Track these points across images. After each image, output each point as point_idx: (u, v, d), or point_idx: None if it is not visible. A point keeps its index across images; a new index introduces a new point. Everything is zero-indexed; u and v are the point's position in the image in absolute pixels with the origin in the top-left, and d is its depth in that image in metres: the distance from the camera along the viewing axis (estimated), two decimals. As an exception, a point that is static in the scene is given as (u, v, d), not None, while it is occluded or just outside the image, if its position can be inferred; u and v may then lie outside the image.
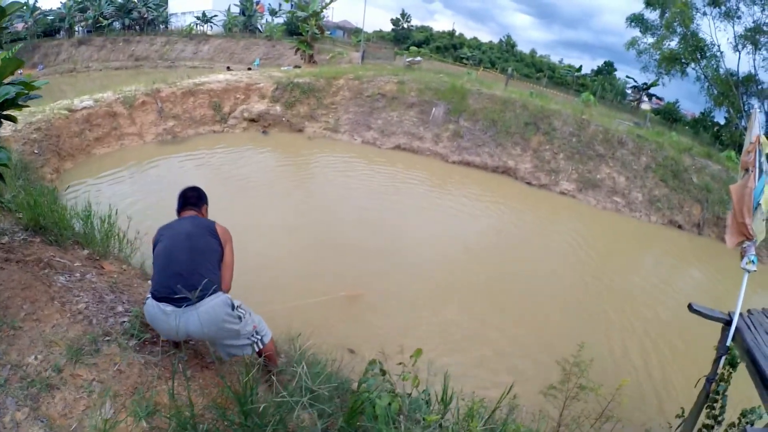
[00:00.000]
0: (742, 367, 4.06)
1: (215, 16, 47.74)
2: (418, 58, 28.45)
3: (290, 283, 6.89)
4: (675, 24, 26.13)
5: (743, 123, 25.17)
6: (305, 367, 2.55)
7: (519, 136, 15.94)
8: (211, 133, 15.38)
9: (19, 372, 2.43)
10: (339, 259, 7.98)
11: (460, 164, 15.68)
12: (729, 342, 4.08)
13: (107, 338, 2.90)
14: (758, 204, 4.01)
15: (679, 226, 13.88)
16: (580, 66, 55.77)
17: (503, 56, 61.60)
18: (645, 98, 45.81)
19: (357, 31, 48.05)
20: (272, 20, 48.54)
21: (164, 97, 14.67)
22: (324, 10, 32.25)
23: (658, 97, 45.69)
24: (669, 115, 37.94)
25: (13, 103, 3.23)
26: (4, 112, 3.29)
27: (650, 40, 28.56)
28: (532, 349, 6.45)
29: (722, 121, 30.41)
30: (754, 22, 24.61)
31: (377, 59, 30.44)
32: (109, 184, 10.11)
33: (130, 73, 35.68)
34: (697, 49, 26.39)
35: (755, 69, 25.79)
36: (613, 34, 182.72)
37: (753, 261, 4.04)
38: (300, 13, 30.98)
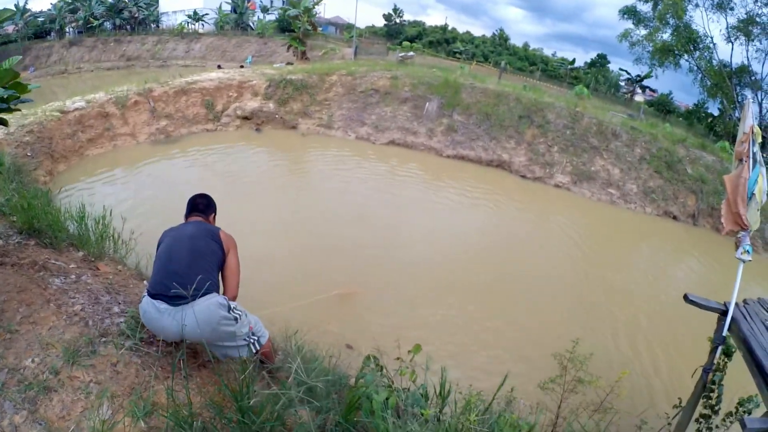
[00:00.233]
0: (737, 357, 4.08)
1: (206, 14, 47.52)
2: (411, 53, 28.38)
3: (285, 282, 6.85)
4: (668, 16, 26.10)
5: (737, 114, 25.22)
6: (300, 361, 2.56)
7: (513, 129, 15.95)
8: (204, 132, 15.30)
9: (17, 375, 2.42)
10: (334, 257, 7.93)
11: (455, 158, 15.67)
12: (725, 332, 4.10)
13: (104, 339, 2.90)
14: (752, 194, 4.03)
15: (674, 217, 13.94)
16: (574, 59, 55.77)
17: (496, 50, 61.56)
18: (638, 90, 45.90)
19: (349, 27, 47.88)
20: (264, 17, 48.38)
21: (156, 96, 14.58)
22: (316, 7, 32.13)
23: (651, 89, 45.79)
24: (663, 106, 38.07)
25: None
26: (-5, 116, 3.27)
27: (643, 32, 28.54)
28: (529, 343, 6.45)
29: (716, 112, 30.53)
30: (746, 13, 24.66)
31: (370, 55, 30.35)
32: (102, 185, 10.06)
33: (121, 73, 35.45)
34: (690, 40, 26.39)
35: (748, 60, 25.87)
36: (605, 26, 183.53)
37: (748, 251, 4.06)
38: (292, 10, 30.88)
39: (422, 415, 2.41)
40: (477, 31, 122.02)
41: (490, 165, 15.42)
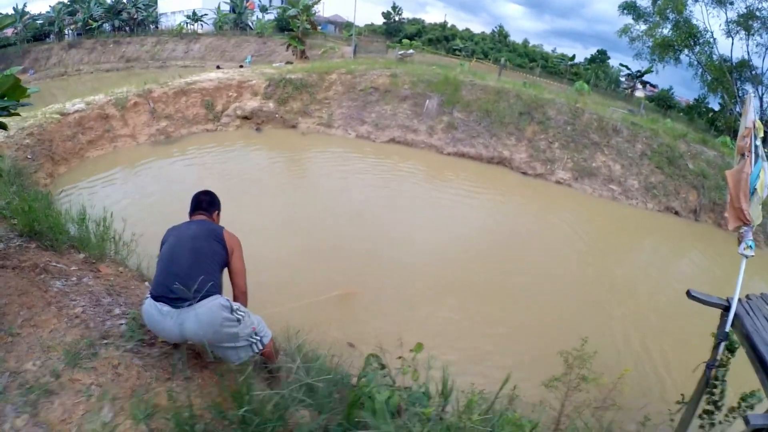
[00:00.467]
0: (740, 353, 4.07)
1: (205, 14, 47.41)
2: (411, 51, 28.32)
3: (284, 282, 6.81)
4: (667, 11, 26.07)
5: (738, 108, 25.17)
6: (300, 360, 2.55)
7: (513, 126, 15.92)
8: (205, 132, 15.30)
9: (18, 378, 2.42)
10: (333, 257, 7.91)
11: (455, 156, 15.65)
12: (728, 328, 4.09)
13: (105, 341, 2.90)
14: (755, 189, 4.01)
15: (676, 213, 13.92)
16: (573, 55, 55.77)
17: (496, 47, 61.42)
18: (639, 86, 45.81)
19: (348, 26, 47.86)
20: (263, 17, 48.25)
21: (156, 97, 14.58)
22: (314, 5, 32.09)
23: (652, 85, 45.61)
24: (663, 102, 37.92)
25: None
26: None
27: (643, 27, 28.48)
28: (532, 342, 6.43)
29: (717, 107, 30.46)
30: (746, 7, 24.59)
31: (369, 53, 30.34)
32: (103, 187, 10.07)
33: (121, 74, 35.45)
34: (690, 35, 26.31)
35: (749, 54, 25.83)
36: (605, 22, 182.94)
37: (750, 246, 4.04)
38: (291, 9, 30.84)
39: (424, 414, 2.40)
40: (476, 28, 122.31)
41: (490, 162, 15.39)
